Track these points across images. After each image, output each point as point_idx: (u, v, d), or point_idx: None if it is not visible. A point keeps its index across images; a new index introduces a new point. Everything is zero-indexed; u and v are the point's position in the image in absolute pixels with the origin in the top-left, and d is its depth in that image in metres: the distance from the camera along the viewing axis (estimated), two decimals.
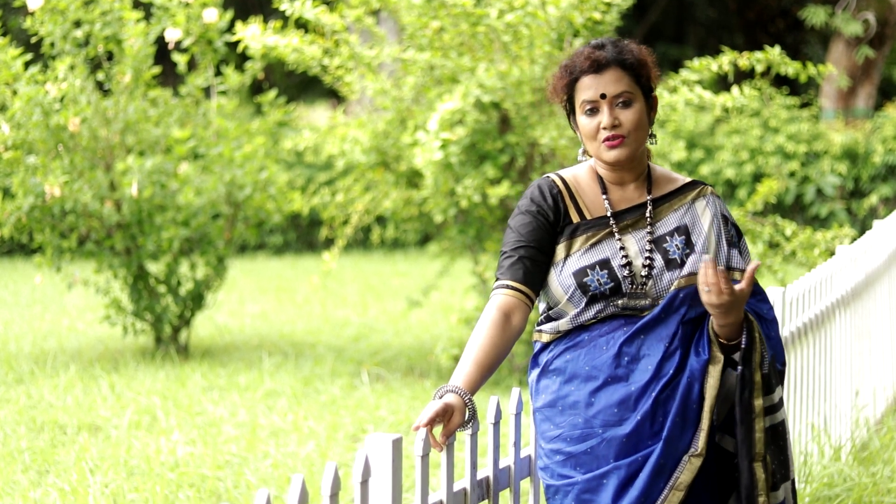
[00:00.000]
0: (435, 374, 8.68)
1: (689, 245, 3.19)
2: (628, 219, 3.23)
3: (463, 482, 3.25)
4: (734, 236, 3.25)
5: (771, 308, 3.21)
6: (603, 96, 3.17)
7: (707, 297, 2.99)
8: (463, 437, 3.57)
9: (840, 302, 5.95)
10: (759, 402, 3.07)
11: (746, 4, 22.18)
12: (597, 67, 3.18)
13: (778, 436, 3.14)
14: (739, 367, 3.06)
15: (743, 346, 3.07)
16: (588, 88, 3.18)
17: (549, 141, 7.78)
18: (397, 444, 2.88)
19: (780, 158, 16.00)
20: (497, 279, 3.20)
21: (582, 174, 3.30)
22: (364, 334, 10.65)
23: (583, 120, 3.21)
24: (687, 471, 3.03)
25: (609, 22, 8.11)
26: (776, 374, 3.15)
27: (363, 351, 9.75)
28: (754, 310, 3.15)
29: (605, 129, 3.17)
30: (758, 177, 15.96)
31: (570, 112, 3.28)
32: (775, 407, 3.13)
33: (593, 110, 3.19)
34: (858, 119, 17.68)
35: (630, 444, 3.06)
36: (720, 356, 3.07)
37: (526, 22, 7.65)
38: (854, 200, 16.15)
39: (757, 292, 3.20)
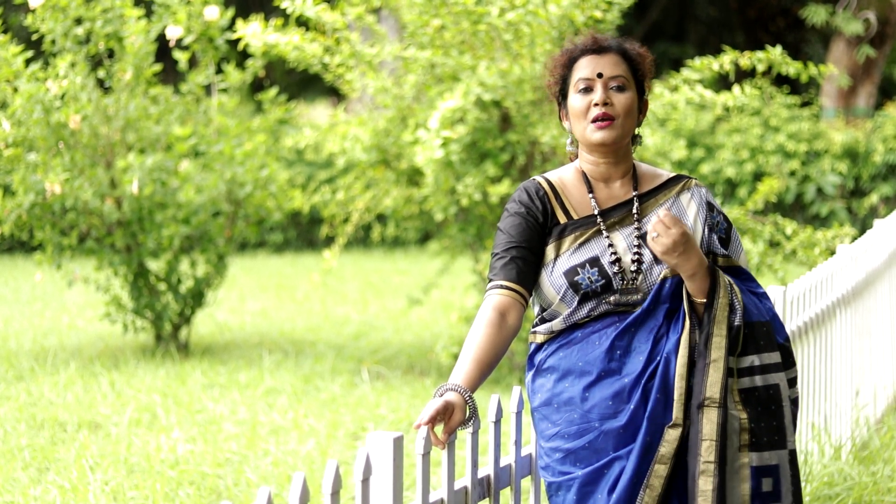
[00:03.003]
0: (435, 373, 8.68)
1: None
2: (615, 216, 3.25)
3: (464, 480, 3.25)
4: (720, 223, 3.27)
5: (759, 286, 3.24)
6: (600, 75, 3.22)
7: (657, 242, 3.06)
8: (464, 435, 3.57)
9: (841, 301, 5.95)
10: (717, 351, 3.07)
11: (747, 3, 22.16)
12: (599, 49, 3.25)
13: (769, 399, 3.12)
14: (705, 316, 3.09)
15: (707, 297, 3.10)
16: (586, 67, 3.24)
17: (549, 139, 7.78)
18: (398, 443, 2.88)
19: (780, 157, 16.00)
20: (490, 280, 3.22)
21: (567, 175, 3.33)
22: (364, 332, 10.65)
23: (575, 99, 3.24)
24: (666, 443, 3.04)
25: (610, 20, 8.11)
26: (770, 340, 3.15)
27: (363, 349, 9.75)
28: (740, 287, 3.18)
29: (596, 105, 3.20)
30: (758, 176, 15.96)
31: (562, 98, 3.30)
32: (766, 368, 3.13)
33: (587, 89, 3.23)
34: (859, 118, 17.68)
35: (627, 435, 3.08)
36: (688, 323, 3.09)
37: (527, 20, 7.65)
38: (854, 199, 16.15)
39: (742, 272, 3.23)
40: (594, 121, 3.21)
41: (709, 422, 3.03)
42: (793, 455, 3.16)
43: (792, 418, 3.18)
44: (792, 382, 3.21)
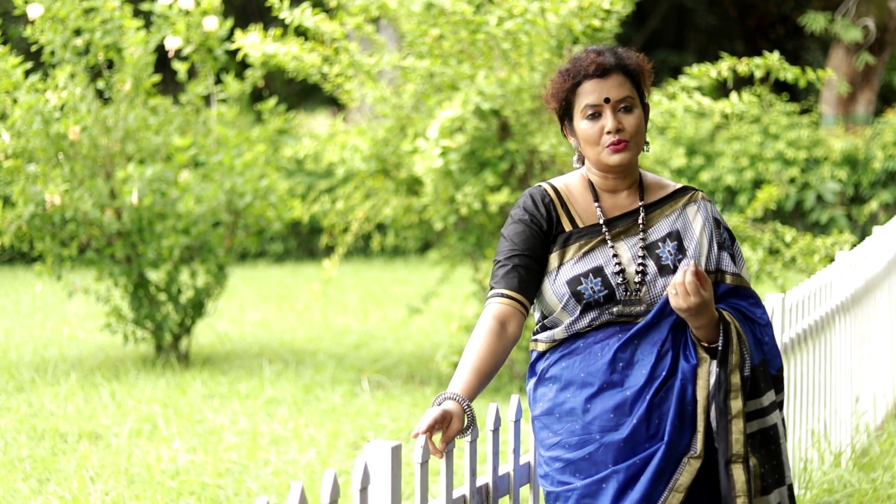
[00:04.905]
0: (435, 382, 8.68)
1: (681, 250, 3.20)
2: (620, 226, 3.24)
3: (462, 489, 3.25)
4: (726, 239, 3.26)
5: (765, 312, 3.22)
6: (607, 100, 3.18)
7: (675, 300, 3.02)
8: (462, 444, 3.57)
9: (840, 308, 5.95)
10: (736, 404, 3.07)
11: (746, 11, 22.20)
12: (602, 72, 3.19)
13: (769, 440, 3.14)
14: (716, 370, 3.08)
15: (719, 347, 3.08)
16: (591, 93, 3.19)
17: (548, 148, 7.79)
18: (396, 452, 2.88)
19: (780, 165, 16.01)
20: (491, 288, 3.21)
21: (573, 183, 3.31)
22: (364, 342, 10.65)
23: (584, 125, 3.20)
24: (686, 472, 3.04)
25: (608, 29, 8.11)
26: (767, 378, 3.16)
27: (364, 358, 9.75)
28: (745, 314, 3.16)
29: (609, 133, 3.17)
30: (758, 183, 15.97)
31: (566, 118, 3.27)
32: (765, 411, 3.14)
33: (595, 115, 3.19)
34: (858, 125, 17.68)
35: (627, 448, 3.07)
36: (706, 357, 3.09)
37: (525, 29, 7.66)
38: (854, 206, 16.16)
39: (749, 296, 3.21)
40: (609, 146, 3.18)
41: (738, 478, 3.06)
42: (790, 489, 3.20)
43: (787, 451, 3.21)
44: (780, 406, 3.23)
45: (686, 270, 3.01)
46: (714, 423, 3.10)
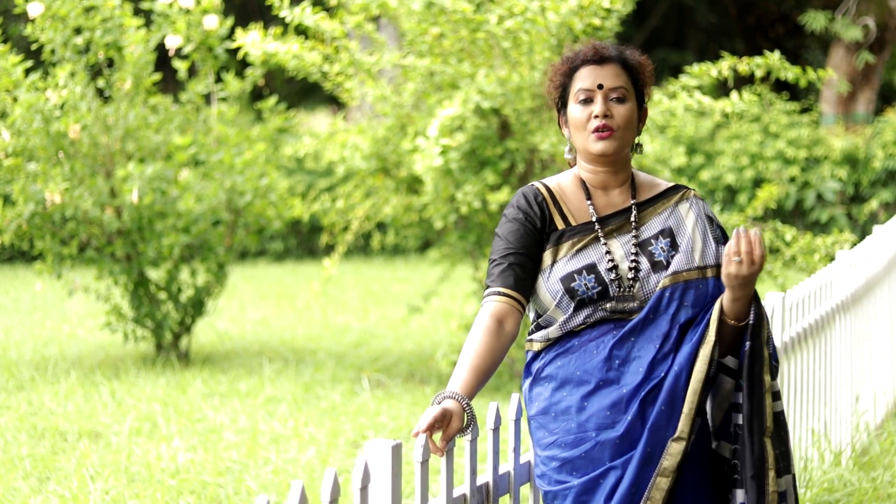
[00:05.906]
0: (435, 380, 8.68)
1: (674, 247, 3.22)
2: (613, 224, 3.25)
3: (463, 488, 3.25)
4: (720, 236, 3.27)
5: (761, 306, 3.24)
6: (600, 86, 3.22)
7: (735, 268, 3.01)
8: (462, 442, 3.58)
9: (840, 307, 5.95)
10: (767, 378, 3.09)
11: (746, 10, 22.20)
12: (599, 59, 3.24)
13: (780, 425, 3.15)
14: (748, 343, 3.08)
15: (751, 321, 3.09)
16: (586, 77, 3.23)
17: (548, 147, 7.79)
18: (397, 450, 2.88)
19: (780, 164, 16.01)
20: (487, 286, 3.22)
21: (566, 182, 3.33)
22: (365, 340, 10.65)
23: (575, 109, 3.24)
24: (669, 456, 3.03)
25: (609, 28, 8.11)
26: (772, 366, 3.17)
27: (364, 357, 9.75)
28: None
29: (596, 117, 3.20)
30: (758, 182, 15.97)
31: (562, 106, 3.30)
32: (777, 395, 3.15)
33: (587, 100, 3.23)
34: (858, 124, 17.68)
35: (624, 445, 3.07)
36: (712, 338, 3.07)
37: (525, 28, 7.66)
38: (854, 205, 16.16)
39: None
40: (594, 132, 3.21)
41: (771, 451, 3.07)
42: (794, 479, 3.21)
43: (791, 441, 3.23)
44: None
45: (754, 239, 3.01)
46: (709, 407, 3.13)
